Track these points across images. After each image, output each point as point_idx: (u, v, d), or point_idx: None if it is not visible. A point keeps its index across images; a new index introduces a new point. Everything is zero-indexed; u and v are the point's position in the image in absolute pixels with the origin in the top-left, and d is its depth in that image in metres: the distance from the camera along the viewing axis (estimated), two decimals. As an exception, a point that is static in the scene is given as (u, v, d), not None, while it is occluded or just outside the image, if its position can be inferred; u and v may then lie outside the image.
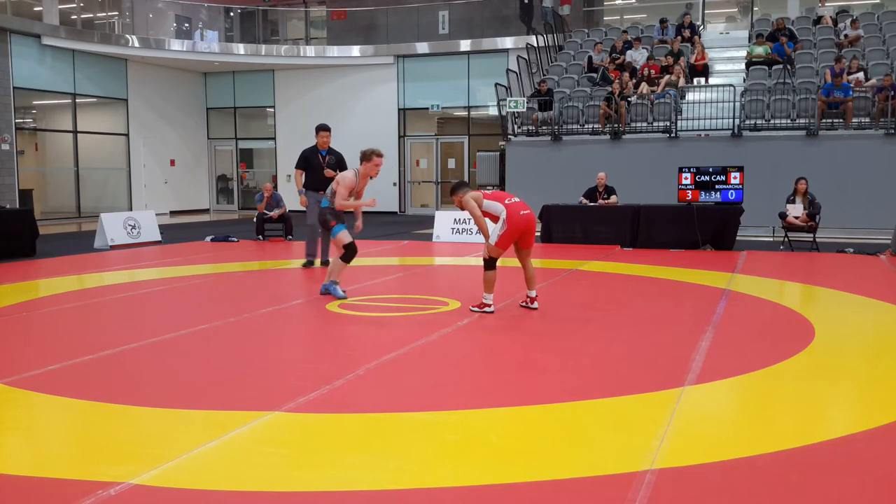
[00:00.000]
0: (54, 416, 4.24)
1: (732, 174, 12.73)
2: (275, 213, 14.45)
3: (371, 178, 7.78)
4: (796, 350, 5.51)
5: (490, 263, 6.92)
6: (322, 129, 10.17)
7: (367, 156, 7.65)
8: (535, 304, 7.14)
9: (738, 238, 12.51)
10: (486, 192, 7.09)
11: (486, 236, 6.89)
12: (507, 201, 6.89)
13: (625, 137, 16.32)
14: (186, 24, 24.11)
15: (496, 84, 17.92)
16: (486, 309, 6.96)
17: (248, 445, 3.64)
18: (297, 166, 10.09)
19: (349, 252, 7.56)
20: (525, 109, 17.04)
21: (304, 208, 10.21)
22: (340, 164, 10.04)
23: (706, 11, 21.40)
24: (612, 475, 3.27)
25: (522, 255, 7.13)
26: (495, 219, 6.86)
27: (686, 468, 3.36)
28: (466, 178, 22.10)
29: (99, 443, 3.74)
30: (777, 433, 3.81)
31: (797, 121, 15.39)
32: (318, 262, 10.15)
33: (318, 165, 9.99)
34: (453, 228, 13.75)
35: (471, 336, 6.08)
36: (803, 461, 3.46)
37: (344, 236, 7.53)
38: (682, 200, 12.93)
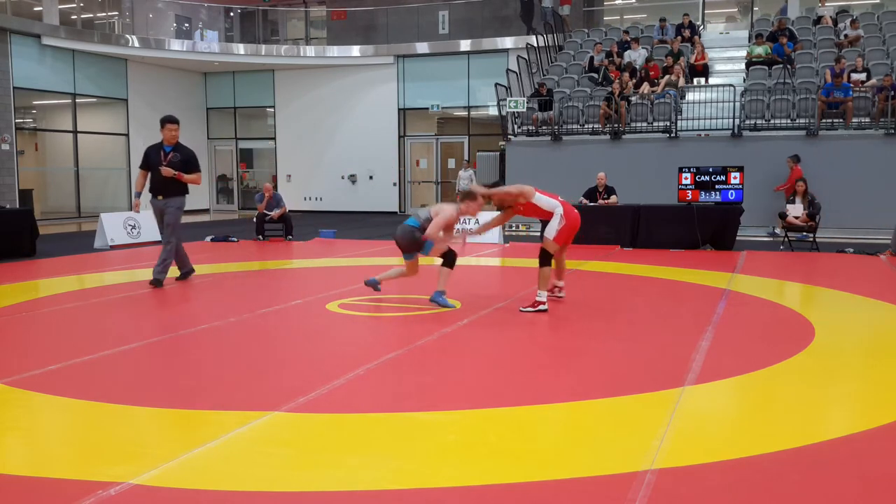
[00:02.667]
0: (54, 416, 4.23)
1: (732, 174, 12.73)
2: (275, 213, 14.43)
3: (469, 216, 7.46)
4: (796, 350, 5.51)
5: (546, 259, 6.95)
6: (168, 121, 8.52)
7: (473, 196, 7.20)
8: (563, 294, 7.52)
9: (738, 238, 12.51)
10: (538, 188, 7.10)
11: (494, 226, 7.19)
12: (560, 199, 7.03)
13: (625, 137, 16.32)
14: (186, 24, 24.11)
15: (496, 84, 17.92)
16: (541, 307, 6.90)
17: (248, 445, 3.64)
18: (140, 166, 8.63)
19: (449, 257, 7.32)
20: (525, 109, 17.04)
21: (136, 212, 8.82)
22: (187, 165, 8.52)
23: (706, 11, 21.40)
24: (612, 475, 3.27)
25: (562, 250, 7.31)
26: (545, 213, 6.95)
27: (686, 468, 3.36)
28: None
29: (99, 443, 3.74)
30: (777, 433, 3.81)
31: (797, 121, 15.39)
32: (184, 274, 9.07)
33: (157, 163, 8.37)
34: (453, 228, 13.72)
35: (471, 336, 6.08)
36: (803, 461, 3.46)
37: (440, 246, 7.24)
38: (682, 200, 12.93)
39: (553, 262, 7.12)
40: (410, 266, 7.54)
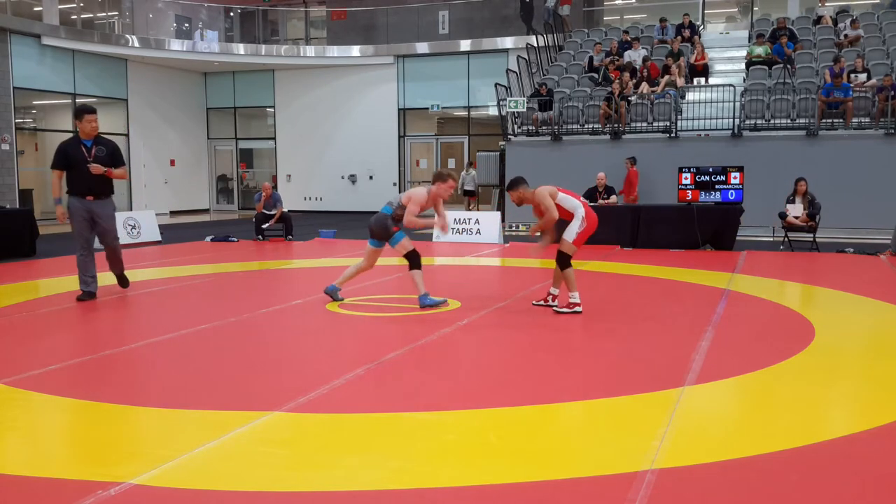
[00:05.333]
0: (54, 416, 4.23)
1: (732, 174, 12.73)
2: (273, 219, 14.36)
3: (444, 200, 7.26)
4: (796, 350, 5.51)
5: (567, 262, 6.87)
6: (86, 111, 7.57)
7: (444, 177, 7.09)
8: (556, 303, 7.10)
9: (738, 238, 12.51)
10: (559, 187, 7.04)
11: (546, 228, 6.87)
12: (581, 199, 6.95)
13: (625, 137, 16.32)
14: (186, 24, 24.12)
15: (496, 84, 17.92)
16: (576, 309, 6.84)
17: (248, 445, 3.64)
18: (55, 166, 7.53)
19: (413, 258, 7.15)
20: (525, 109, 17.05)
21: (67, 222, 7.62)
22: (114, 158, 7.66)
23: (706, 11, 21.41)
24: (612, 475, 3.26)
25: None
26: (565, 214, 6.85)
27: (686, 468, 3.36)
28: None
29: (99, 443, 3.74)
30: (777, 433, 3.81)
31: (797, 121, 15.39)
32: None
33: (81, 160, 7.47)
34: (453, 228, 13.74)
35: (470, 336, 6.08)
36: (803, 461, 3.46)
37: (406, 243, 7.11)
38: (682, 200, 12.93)
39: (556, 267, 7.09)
40: (371, 255, 7.39)
